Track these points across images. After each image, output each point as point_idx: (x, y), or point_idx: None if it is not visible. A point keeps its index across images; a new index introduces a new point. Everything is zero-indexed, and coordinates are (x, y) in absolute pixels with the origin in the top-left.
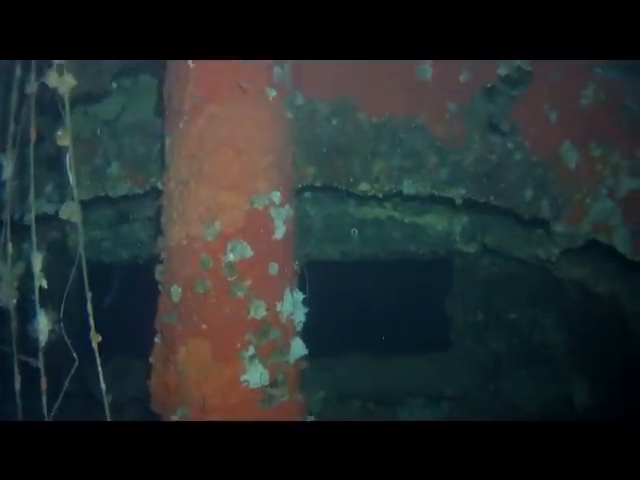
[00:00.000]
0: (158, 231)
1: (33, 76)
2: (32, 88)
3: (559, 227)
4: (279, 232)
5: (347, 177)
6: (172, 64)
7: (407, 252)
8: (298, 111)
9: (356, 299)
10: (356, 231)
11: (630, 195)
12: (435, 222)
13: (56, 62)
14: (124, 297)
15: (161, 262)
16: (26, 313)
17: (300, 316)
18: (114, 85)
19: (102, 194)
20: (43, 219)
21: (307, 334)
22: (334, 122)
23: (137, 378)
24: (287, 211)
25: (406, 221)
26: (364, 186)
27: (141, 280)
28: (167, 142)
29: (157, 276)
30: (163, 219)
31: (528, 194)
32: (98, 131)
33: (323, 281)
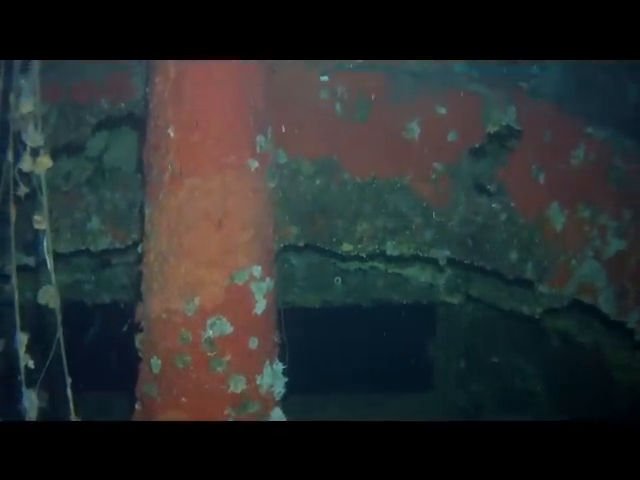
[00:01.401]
0: (138, 297)
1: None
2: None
3: (543, 288)
4: (259, 307)
5: (330, 237)
6: (152, 129)
7: (391, 301)
8: (281, 170)
9: (337, 345)
10: (339, 279)
11: (616, 256)
12: (418, 274)
13: (29, 144)
14: (105, 338)
15: (141, 330)
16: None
17: (280, 387)
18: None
19: (82, 247)
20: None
21: (287, 402)
22: (318, 182)
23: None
24: (268, 284)
25: (389, 272)
26: (347, 246)
27: (122, 323)
28: (147, 211)
29: (137, 344)
30: (143, 287)
31: (513, 256)
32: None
33: (305, 328)
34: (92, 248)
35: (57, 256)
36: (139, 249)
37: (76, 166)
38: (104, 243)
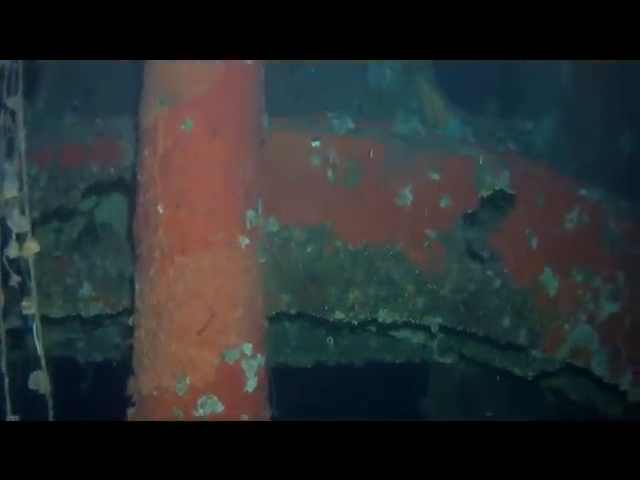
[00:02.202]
0: (130, 370)
1: None
2: None
3: (536, 353)
4: (250, 384)
5: (322, 305)
6: (142, 204)
7: (383, 360)
8: (272, 237)
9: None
10: (332, 340)
11: (609, 319)
12: (411, 336)
13: (15, 230)
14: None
15: (133, 405)
16: None
17: None
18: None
19: (74, 313)
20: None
21: None
22: (309, 249)
23: None
24: (259, 361)
25: (382, 333)
26: (339, 314)
27: (114, 382)
28: (137, 286)
29: (129, 418)
30: (134, 361)
31: (506, 322)
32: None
33: (297, 389)
34: (84, 314)
35: (48, 320)
36: (130, 322)
37: (66, 223)
38: (96, 309)
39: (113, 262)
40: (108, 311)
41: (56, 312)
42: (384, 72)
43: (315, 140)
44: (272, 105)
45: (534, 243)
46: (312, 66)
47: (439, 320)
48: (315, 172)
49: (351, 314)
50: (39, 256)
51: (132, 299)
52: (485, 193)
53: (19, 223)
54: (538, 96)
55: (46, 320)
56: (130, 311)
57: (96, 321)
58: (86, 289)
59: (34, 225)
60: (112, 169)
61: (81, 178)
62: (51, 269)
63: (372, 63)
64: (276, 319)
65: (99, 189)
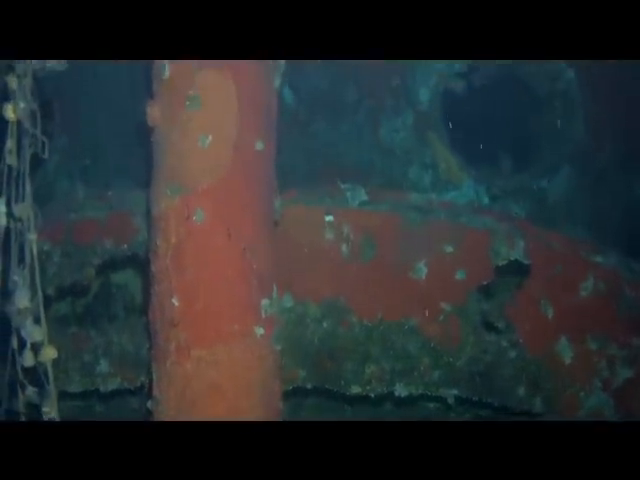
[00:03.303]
0: None
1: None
2: None
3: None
4: None
5: (338, 380)
6: (156, 295)
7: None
8: (288, 314)
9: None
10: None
11: (624, 385)
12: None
13: (30, 341)
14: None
15: None
16: None
17: None
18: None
19: (92, 388)
20: None
21: None
22: (325, 325)
23: None
24: None
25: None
26: (356, 389)
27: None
28: (154, 376)
29: None
30: None
31: (521, 391)
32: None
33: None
34: (102, 389)
35: (66, 394)
36: (149, 405)
37: (81, 299)
38: (114, 384)
39: (130, 338)
40: (126, 386)
41: (74, 387)
42: (396, 128)
43: (328, 214)
44: (283, 167)
45: (549, 312)
46: (323, 121)
47: (455, 392)
48: (329, 247)
49: (367, 388)
50: (56, 333)
51: (150, 384)
52: (500, 264)
53: (33, 333)
54: (551, 152)
55: (64, 393)
56: (148, 394)
57: (114, 394)
58: (104, 366)
59: (49, 303)
60: (126, 245)
61: (95, 254)
62: (68, 345)
63: (384, 119)
64: (292, 394)
65: (113, 265)
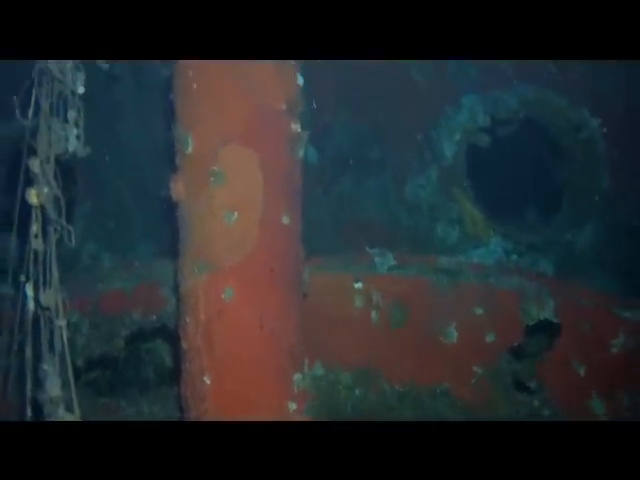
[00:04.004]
0: None
1: None
2: None
3: None
4: None
5: None
6: (187, 372)
7: None
8: (319, 382)
9: None
10: None
11: None
12: None
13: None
14: None
15: None
16: None
17: None
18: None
19: None
20: None
21: None
22: (357, 392)
23: None
24: None
25: None
26: None
27: None
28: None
29: None
30: None
31: None
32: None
33: None
34: None
35: None
36: None
37: (111, 370)
38: None
39: (161, 408)
40: None
41: None
42: (422, 184)
43: (357, 281)
44: (309, 233)
45: (581, 370)
46: (347, 180)
47: None
48: (359, 314)
49: None
50: (86, 405)
51: None
52: (530, 323)
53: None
54: (577, 203)
55: None
56: None
57: None
58: None
59: (78, 375)
60: (154, 316)
61: (123, 325)
62: (98, 415)
63: (409, 175)
64: None
65: (142, 336)
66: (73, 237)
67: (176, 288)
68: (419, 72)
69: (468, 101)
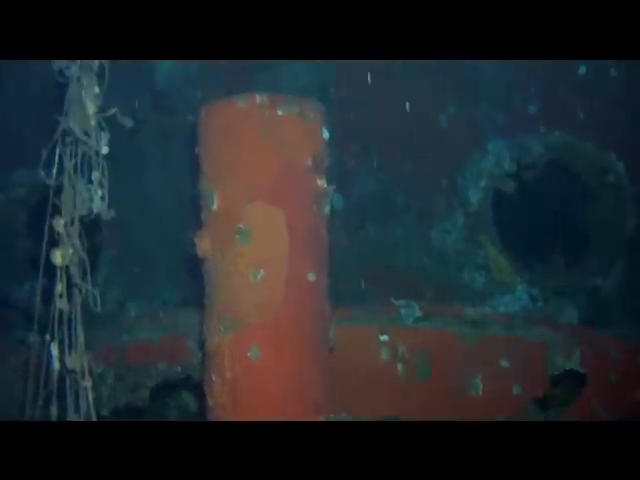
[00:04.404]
0: None
1: None
2: None
3: None
4: None
5: None
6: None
7: None
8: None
9: None
10: None
11: None
12: None
13: None
14: None
15: None
16: None
17: None
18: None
19: None
20: None
21: None
22: None
23: None
24: None
25: None
26: None
27: None
28: None
29: None
30: None
31: None
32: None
33: None
34: None
35: None
36: None
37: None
38: None
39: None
40: None
41: None
42: (447, 230)
43: (383, 334)
44: (335, 280)
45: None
46: (374, 226)
47: None
48: (385, 367)
49: None
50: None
51: None
52: (556, 373)
53: None
54: (603, 247)
55: None
56: None
57: None
58: None
59: None
60: (179, 368)
61: (148, 376)
62: None
63: (434, 221)
64: None
65: (168, 388)
66: (99, 302)
67: (202, 342)
68: (445, 117)
69: (494, 147)
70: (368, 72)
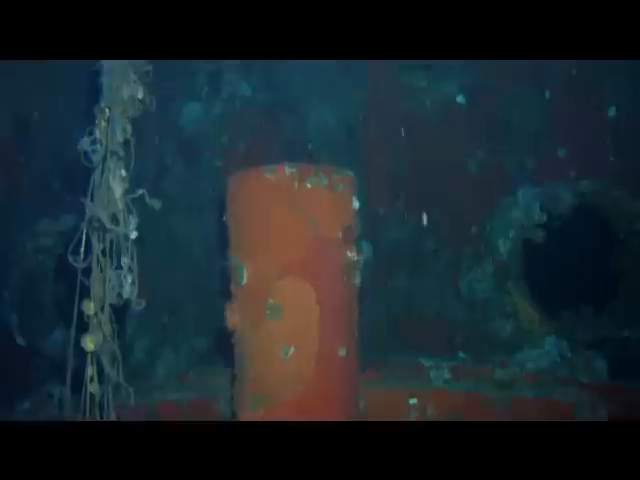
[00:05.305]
0: None
1: None
2: None
3: None
4: None
5: None
6: None
7: None
8: None
9: None
10: None
11: None
12: None
13: None
14: None
15: None
16: None
17: None
18: None
19: None
20: None
21: None
22: None
23: None
24: None
25: None
26: None
27: None
28: None
29: None
30: None
31: None
32: None
33: None
34: None
35: None
36: None
37: None
38: None
39: None
40: None
41: None
42: (477, 278)
43: (412, 397)
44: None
45: None
46: (403, 274)
47: None
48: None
49: None
50: None
51: None
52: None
53: None
54: (633, 297)
55: None
56: None
57: None
58: None
59: None
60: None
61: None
62: None
63: (463, 269)
64: None
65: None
66: (132, 396)
67: (233, 413)
68: (475, 163)
69: (524, 196)
70: (401, 128)
